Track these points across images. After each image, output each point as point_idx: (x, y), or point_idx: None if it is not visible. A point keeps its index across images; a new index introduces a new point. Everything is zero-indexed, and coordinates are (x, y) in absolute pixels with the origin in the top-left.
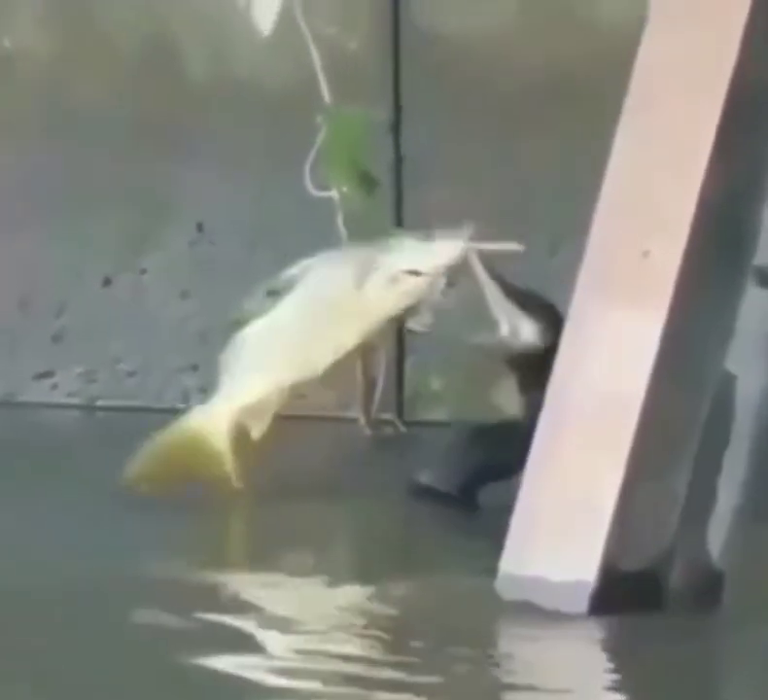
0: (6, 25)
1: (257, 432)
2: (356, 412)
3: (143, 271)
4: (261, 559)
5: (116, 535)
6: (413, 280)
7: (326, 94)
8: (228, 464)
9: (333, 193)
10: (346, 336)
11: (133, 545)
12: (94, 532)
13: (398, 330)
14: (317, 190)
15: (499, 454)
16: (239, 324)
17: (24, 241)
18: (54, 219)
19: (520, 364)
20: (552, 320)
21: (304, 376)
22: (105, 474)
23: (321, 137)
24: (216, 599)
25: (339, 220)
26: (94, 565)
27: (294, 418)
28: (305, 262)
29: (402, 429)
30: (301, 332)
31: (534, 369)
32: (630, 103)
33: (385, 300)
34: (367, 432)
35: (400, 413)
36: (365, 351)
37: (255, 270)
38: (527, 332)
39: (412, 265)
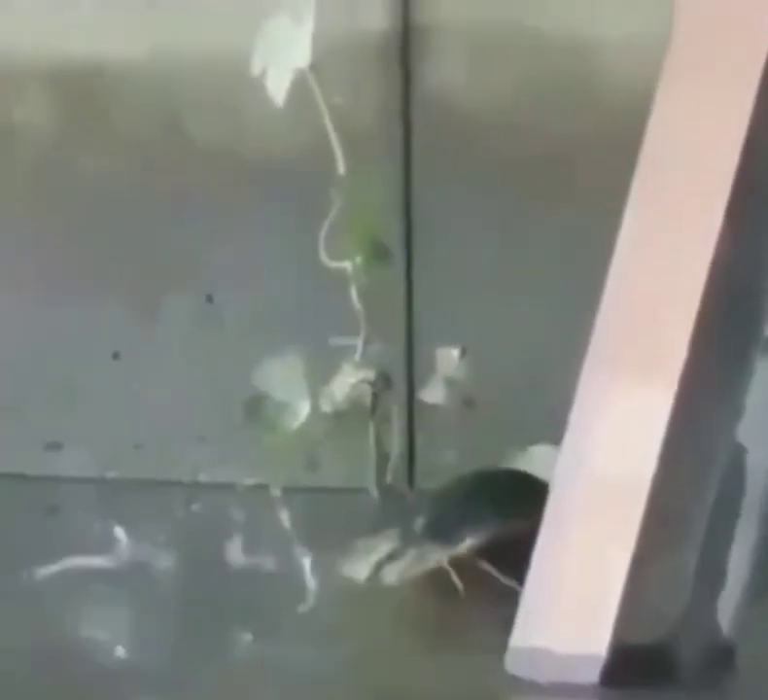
0: (13, 98)
1: None
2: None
3: (152, 344)
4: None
5: None
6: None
7: (340, 165)
8: None
9: (347, 265)
10: None
11: None
12: None
13: (407, 405)
14: (331, 260)
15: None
16: (250, 400)
17: (33, 315)
18: (63, 292)
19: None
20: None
21: None
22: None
23: (334, 208)
24: None
25: (353, 291)
26: None
27: (305, 489)
28: None
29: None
30: None
31: None
32: (640, 174)
33: None
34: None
35: (411, 484)
36: (376, 423)
37: (266, 342)
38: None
39: None
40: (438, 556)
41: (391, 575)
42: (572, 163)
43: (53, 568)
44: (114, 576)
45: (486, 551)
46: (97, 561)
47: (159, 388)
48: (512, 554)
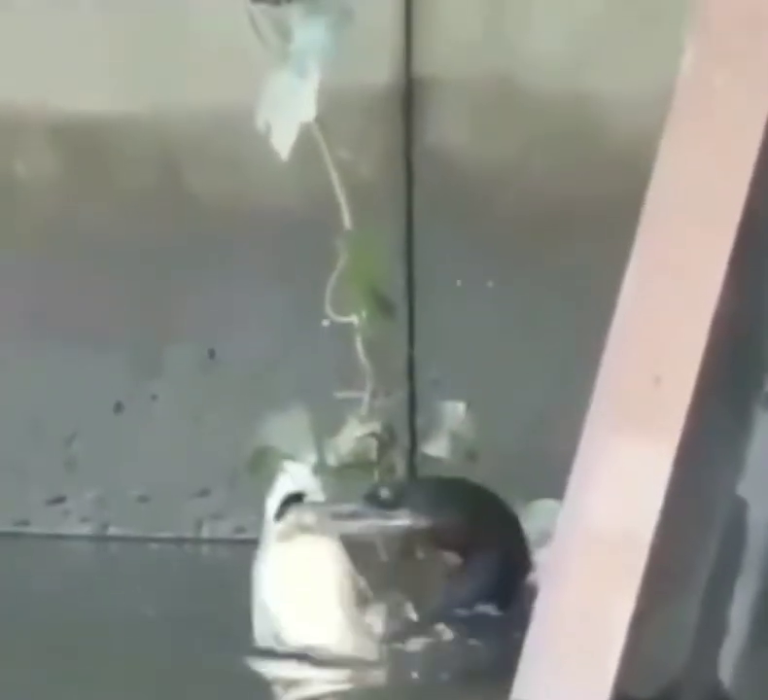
0: (16, 150)
1: None
2: None
3: (154, 397)
4: None
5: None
6: None
7: (346, 218)
8: None
9: (353, 319)
10: None
11: None
12: None
13: (410, 458)
14: (336, 315)
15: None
16: (254, 453)
17: (35, 367)
18: (65, 344)
19: None
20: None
21: None
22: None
23: (340, 262)
24: None
25: (358, 344)
26: None
27: None
28: None
29: None
30: None
31: None
32: (642, 230)
33: None
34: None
35: None
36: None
37: (268, 396)
38: None
39: None
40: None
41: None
42: (573, 218)
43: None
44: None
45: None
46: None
47: (162, 440)
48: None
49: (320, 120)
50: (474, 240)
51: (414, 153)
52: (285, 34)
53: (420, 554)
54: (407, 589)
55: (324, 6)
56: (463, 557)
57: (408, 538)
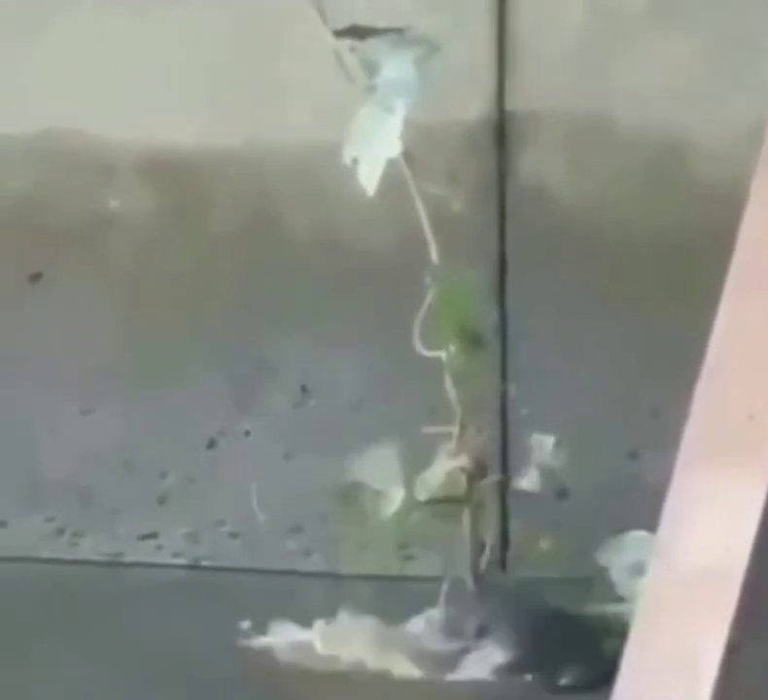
0: (109, 188)
1: None
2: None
3: (247, 433)
4: None
5: None
6: None
7: (434, 254)
8: None
9: (442, 353)
10: None
11: None
12: None
13: (501, 492)
14: (425, 349)
15: None
16: (345, 488)
17: (128, 404)
18: (160, 382)
19: None
20: None
21: None
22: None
23: (429, 298)
24: None
25: (447, 380)
26: None
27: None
28: None
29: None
30: None
31: None
32: (735, 265)
33: None
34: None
35: (504, 572)
36: (472, 511)
37: (360, 432)
38: None
39: None
40: None
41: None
42: (665, 254)
43: None
44: None
45: None
46: None
47: (254, 477)
48: None
49: (409, 154)
50: (568, 276)
51: (507, 188)
52: (372, 69)
53: None
54: None
55: (410, 40)
56: None
57: None
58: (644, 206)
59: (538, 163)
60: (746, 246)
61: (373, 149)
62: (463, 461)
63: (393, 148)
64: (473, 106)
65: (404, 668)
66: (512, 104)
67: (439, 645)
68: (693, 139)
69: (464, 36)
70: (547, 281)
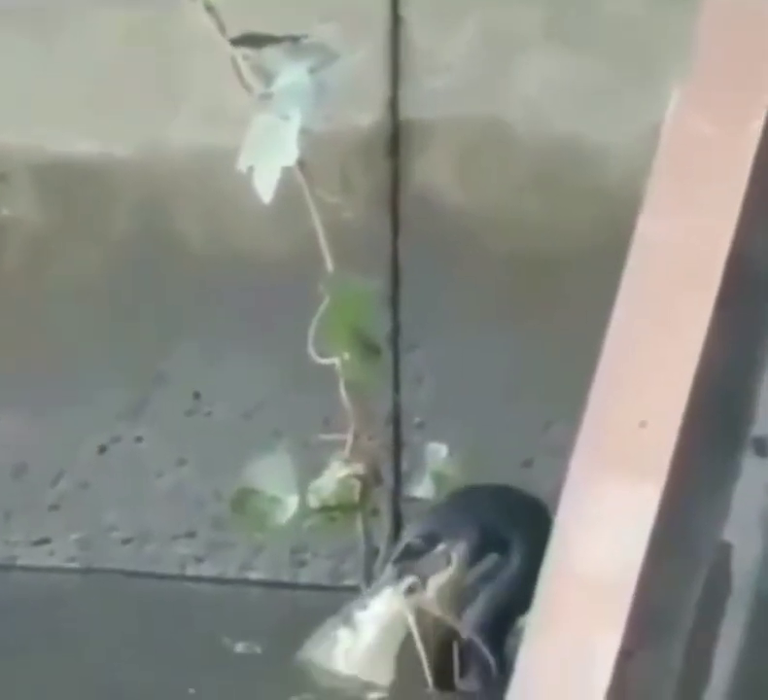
0: (2, 193)
1: None
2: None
3: (139, 439)
4: None
5: None
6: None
7: (328, 262)
8: None
9: (336, 361)
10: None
11: None
12: None
13: (394, 500)
14: (319, 357)
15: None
16: (238, 494)
17: (19, 411)
18: (49, 388)
19: None
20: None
21: None
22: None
23: (323, 306)
24: None
25: (341, 387)
26: None
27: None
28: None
29: None
30: None
31: None
32: (628, 274)
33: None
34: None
35: None
36: (365, 518)
37: (253, 439)
38: None
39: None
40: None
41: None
42: (559, 261)
43: None
44: None
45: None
46: None
47: (147, 483)
48: None
49: (304, 163)
50: (461, 282)
51: (400, 194)
52: (268, 77)
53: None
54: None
55: (305, 49)
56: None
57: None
58: (539, 213)
59: (432, 171)
60: (639, 253)
61: (269, 157)
62: (356, 468)
63: (288, 156)
64: (368, 114)
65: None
66: (406, 112)
67: None
68: (588, 146)
69: (359, 45)
70: (441, 289)
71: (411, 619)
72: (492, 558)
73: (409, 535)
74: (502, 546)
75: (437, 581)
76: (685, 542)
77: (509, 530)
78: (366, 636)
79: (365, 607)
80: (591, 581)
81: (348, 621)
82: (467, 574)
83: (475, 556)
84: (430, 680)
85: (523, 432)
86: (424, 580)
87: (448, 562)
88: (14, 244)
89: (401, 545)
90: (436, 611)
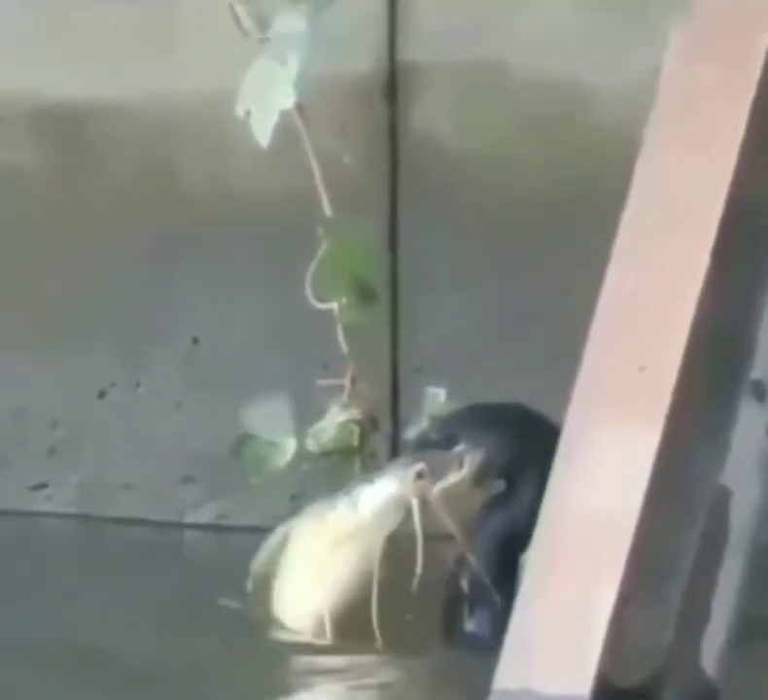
0: (1, 139)
1: None
2: None
3: (137, 384)
4: None
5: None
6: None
7: (326, 207)
8: None
9: (334, 306)
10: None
11: None
12: None
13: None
14: (317, 302)
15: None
16: (237, 439)
17: (18, 356)
18: (47, 333)
19: None
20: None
21: None
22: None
23: (321, 250)
24: None
25: (339, 332)
26: None
27: None
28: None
29: None
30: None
31: None
32: (625, 220)
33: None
34: None
35: None
36: (363, 463)
37: (251, 383)
38: None
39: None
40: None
41: None
42: (560, 207)
43: None
44: None
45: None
46: None
47: (145, 428)
48: None
49: (302, 107)
50: (460, 227)
51: (399, 139)
52: (265, 21)
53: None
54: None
55: None
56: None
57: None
58: (538, 156)
59: (430, 114)
60: (636, 196)
61: (267, 101)
62: (354, 413)
63: (286, 100)
64: (366, 57)
65: None
66: (404, 54)
67: None
68: (588, 89)
69: None
70: (440, 233)
71: (415, 503)
72: (499, 484)
73: (431, 431)
74: (512, 472)
75: (447, 481)
76: (684, 487)
77: (526, 457)
78: (363, 509)
79: (370, 482)
80: (588, 527)
81: (349, 492)
82: (473, 483)
83: (486, 471)
84: (417, 576)
85: (522, 376)
86: (433, 473)
87: (460, 465)
88: (12, 188)
89: (419, 437)
90: (439, 506)
